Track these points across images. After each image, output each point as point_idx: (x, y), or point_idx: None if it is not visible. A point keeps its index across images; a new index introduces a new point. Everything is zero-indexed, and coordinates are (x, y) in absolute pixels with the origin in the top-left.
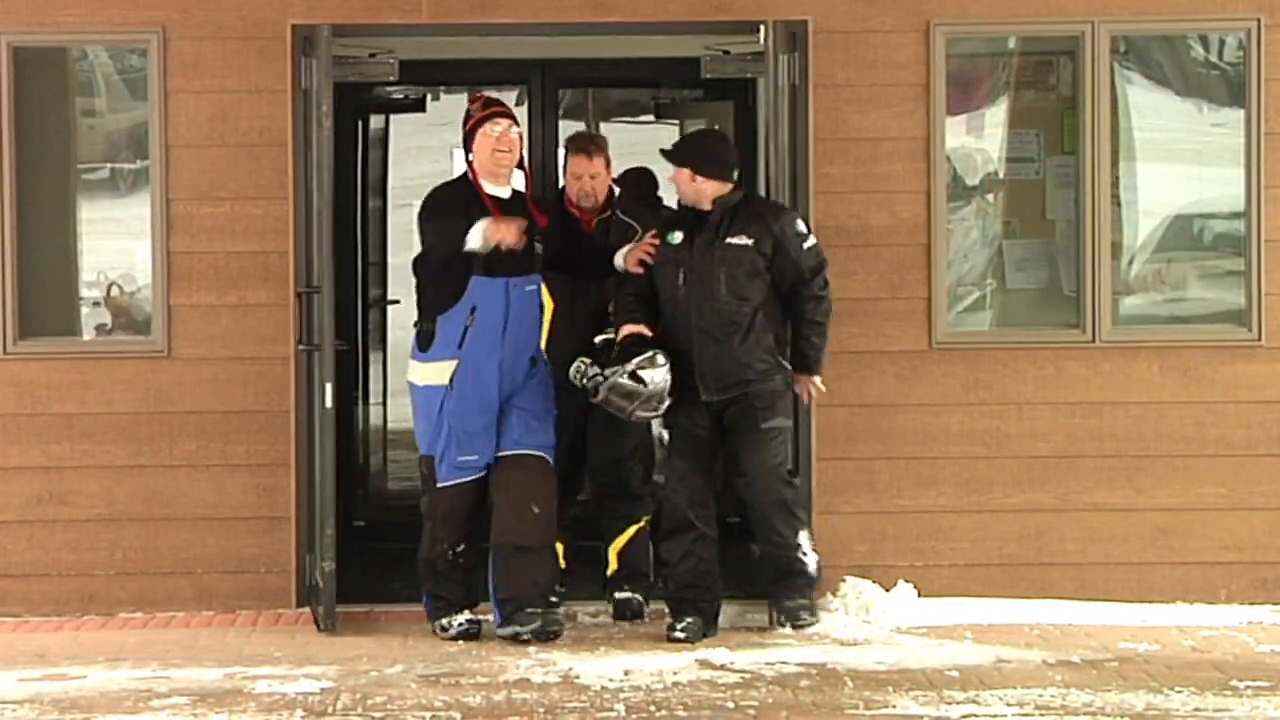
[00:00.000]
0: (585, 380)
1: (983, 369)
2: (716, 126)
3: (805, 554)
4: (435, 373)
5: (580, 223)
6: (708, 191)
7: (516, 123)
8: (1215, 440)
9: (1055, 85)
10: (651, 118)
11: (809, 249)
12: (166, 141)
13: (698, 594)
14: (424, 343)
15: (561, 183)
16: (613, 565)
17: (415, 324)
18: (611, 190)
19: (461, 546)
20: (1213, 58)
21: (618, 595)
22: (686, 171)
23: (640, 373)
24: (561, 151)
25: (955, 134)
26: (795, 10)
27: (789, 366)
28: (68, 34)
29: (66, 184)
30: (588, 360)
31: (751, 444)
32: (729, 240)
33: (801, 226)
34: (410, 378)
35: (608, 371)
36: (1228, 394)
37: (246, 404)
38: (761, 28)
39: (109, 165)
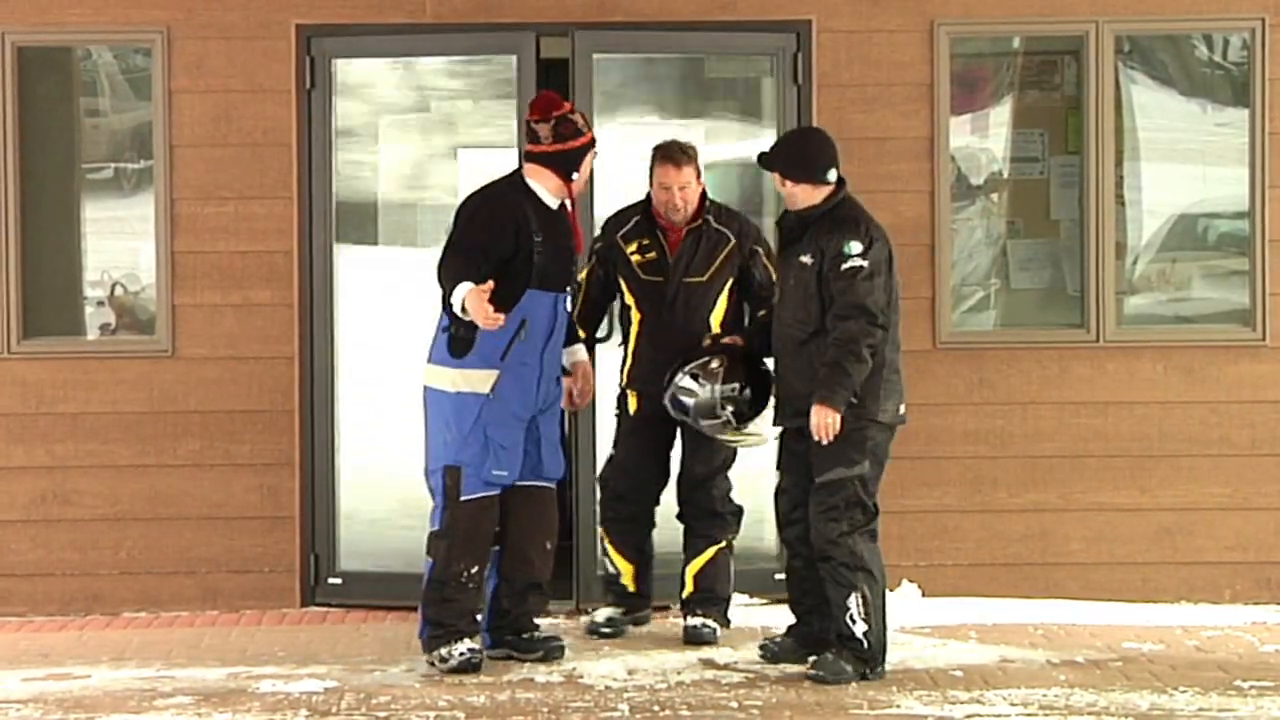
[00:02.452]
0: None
1: (987, 369)
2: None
3: (853, 620)
4: (471, 380)
5: (667, 234)
6: (800, 197)
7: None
8: (1220, 440)
9: (1060, 85)
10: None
11: (844, 270)
12: (170, 141)
13: (800, 612)
14: (458, 349)
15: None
16: (689, 587)
17: (445, 327)
18: (704, 199)
19: (475, 569)
20: (1217, 57)
21: (689, 621)
22: (776, 176)
23: (688, 381)
24: (647, 160)
25: (960, 134)
26: (799, 10)
27: (854, 400)
28: (72, 33)
29: (71, 184)
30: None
31: (813, 491)
32: (798, 258)
33: (851, 246)
34: (435, 383)
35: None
36: (1232, 394)
37: (250, 404)
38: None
39: (113, 165)
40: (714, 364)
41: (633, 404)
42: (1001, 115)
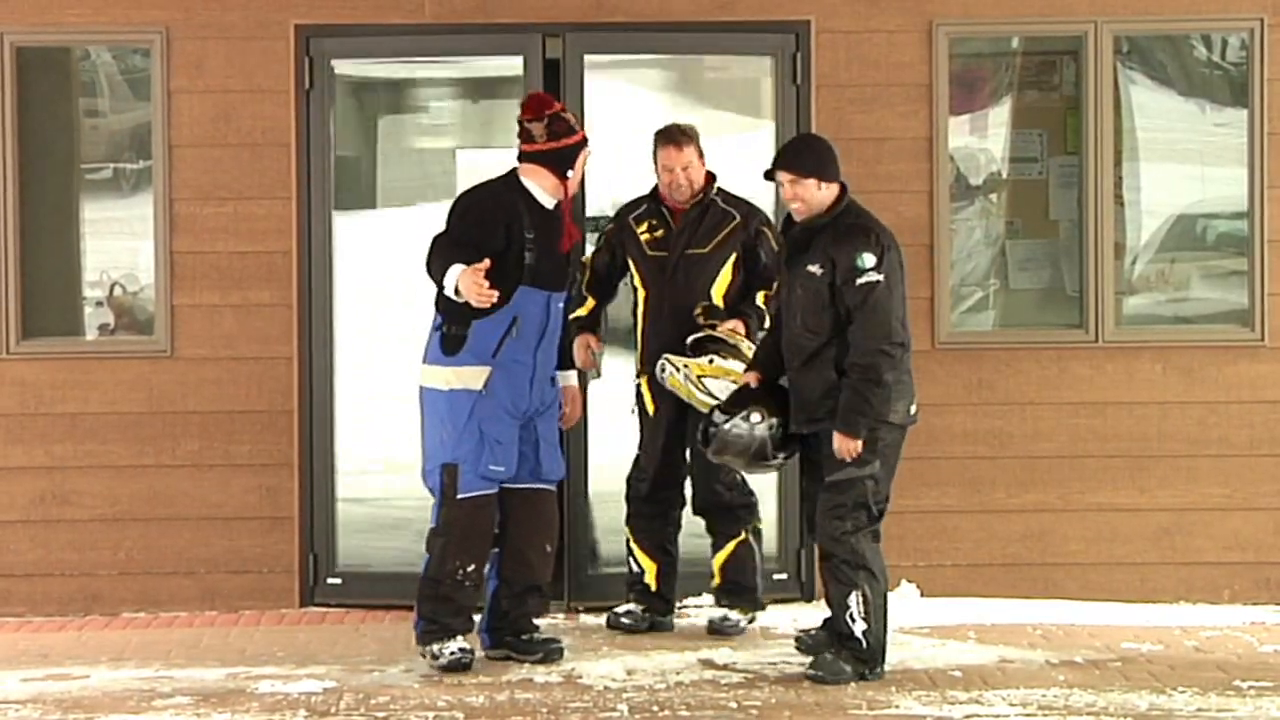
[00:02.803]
0: (700, 433)
1: (986, 369)
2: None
3: (853, 619)
4: (464, 377)
5: (674, 214)
6: (825, 199)
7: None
8: (1218, 440)
9: (1058, 85)
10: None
11: (860, 285)
12: (169, 141)
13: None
14: (450, 346)
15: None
16: (716, 579)
17: (439, 327)
18: (710, 177)
19: (472, 568)
20: (1215, 58)
21: (714, 613)
22: (811, 182)
23: (740, 425)
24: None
25: (959, 134)
26: (798, 10)
27: None
28: (71, 34)
29: (70, 184)
30: (671, 358)
31: (823, 488)
32: (807, 267)
33: (865, 259)
34: (430, 383)
35: (718, 421)
36: (1231, 394)
37: (250, 404)
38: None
39: (112, 165)
40: (755, 415)
41: (650, 404)
42: (1000, 115)
